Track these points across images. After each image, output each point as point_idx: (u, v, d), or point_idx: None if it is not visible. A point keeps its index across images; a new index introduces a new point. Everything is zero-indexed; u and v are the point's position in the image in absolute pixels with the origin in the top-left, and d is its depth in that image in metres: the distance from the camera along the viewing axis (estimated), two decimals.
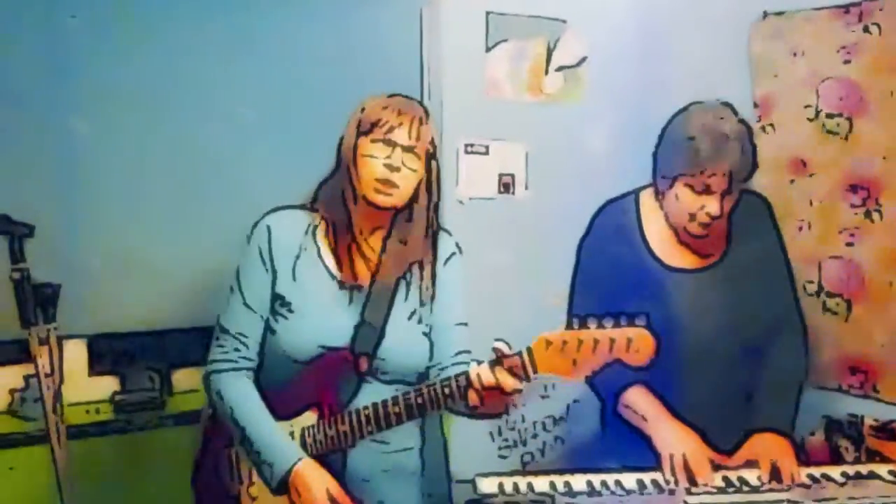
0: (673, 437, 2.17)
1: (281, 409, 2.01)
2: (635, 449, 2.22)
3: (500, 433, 3.09)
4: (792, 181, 2.99)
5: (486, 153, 3.04)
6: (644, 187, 2.32)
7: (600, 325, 1.85)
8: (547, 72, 3.11)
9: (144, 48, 2.55)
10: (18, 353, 2.24)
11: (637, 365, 1.86)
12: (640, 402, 2.23)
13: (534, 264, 2.98)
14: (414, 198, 2.00)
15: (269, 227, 2.02)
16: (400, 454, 2.08)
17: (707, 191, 2.15)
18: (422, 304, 2.05)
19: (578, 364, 1.85)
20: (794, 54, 2.97)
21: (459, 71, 2.99)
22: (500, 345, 1.88)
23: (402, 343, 2.02)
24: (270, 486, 1.96)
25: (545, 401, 3.05)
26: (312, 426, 1.99)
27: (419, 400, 1.94)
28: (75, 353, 2.54)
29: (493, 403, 1.92)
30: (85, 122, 2.49)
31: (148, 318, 2.60)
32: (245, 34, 2.66)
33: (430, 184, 2.02)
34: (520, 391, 1.88)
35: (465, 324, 2.10)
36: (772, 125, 3.03)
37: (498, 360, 1.87)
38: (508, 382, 1.87)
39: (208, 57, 2.62)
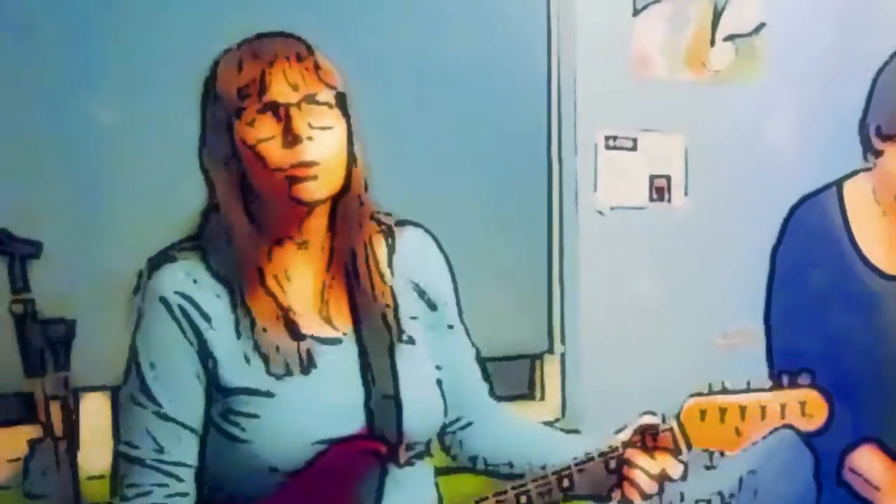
0: None
1: None
2: None
3: None
4: None
5: (634, 149, 2.86)
6: (846, 177, 2.25)
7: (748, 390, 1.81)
8: (713, 42, 2.93)
9: (186, 18, 2.33)
10: (21, 410, 2.13)
11: (811, 430, 1.85)
12: (871, 466, 2.18)
13: (695, 294, 2.82)
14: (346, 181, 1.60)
15: (184, 294, 1.54)
16: None
17: None
18: (409, 340, 1.71)
19: (744, 434, 1.82)
20: None
21: (598, 41, 2.78)
22: (649, 419, 1.73)
23: (420, 403, 1.70)
24: None
25: (711, 473, 2.59)
26: None
27: (545, 487, 1.66)
28: (95, 410, 2.29)
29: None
30: (109, 110, 2.28)
31: None
32: None
33: (351, 147, 1.59)
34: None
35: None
36: None
37: (652, 437, 1.72)
38: (674, 469, 1.71)
39: (269, 24, 2.18)
